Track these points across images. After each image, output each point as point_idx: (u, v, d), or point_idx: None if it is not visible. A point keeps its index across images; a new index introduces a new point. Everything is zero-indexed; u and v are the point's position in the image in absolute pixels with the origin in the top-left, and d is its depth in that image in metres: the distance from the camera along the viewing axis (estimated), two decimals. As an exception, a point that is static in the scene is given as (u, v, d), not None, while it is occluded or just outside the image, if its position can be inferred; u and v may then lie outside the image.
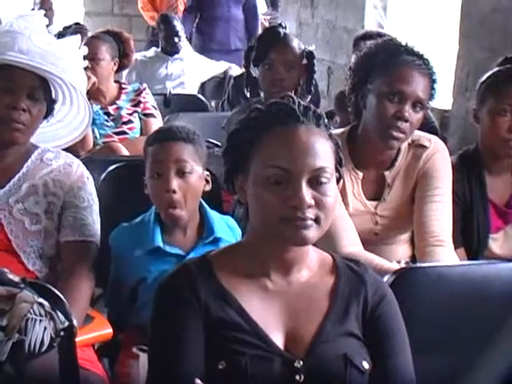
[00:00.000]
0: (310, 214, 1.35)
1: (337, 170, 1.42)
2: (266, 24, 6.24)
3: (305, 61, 3.11)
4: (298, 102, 1.41)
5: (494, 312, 1.67)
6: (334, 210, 1.39)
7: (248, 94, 3.30)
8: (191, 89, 4.81)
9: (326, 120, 1.43)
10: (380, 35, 3.15)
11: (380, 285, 1.46)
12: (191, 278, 1.38)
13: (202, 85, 4.97)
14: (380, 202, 2.22)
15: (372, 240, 2.21)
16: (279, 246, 1.39)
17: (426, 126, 2.46)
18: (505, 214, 2.37)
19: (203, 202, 2.06)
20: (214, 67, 5.00)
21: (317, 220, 1.35)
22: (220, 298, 1.38)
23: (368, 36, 3.37)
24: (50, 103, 2.01)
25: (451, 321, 1.66)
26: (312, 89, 3.18)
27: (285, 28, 3.17)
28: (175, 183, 1.94)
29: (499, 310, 1.67)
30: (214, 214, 2.06)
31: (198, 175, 1.99)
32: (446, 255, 2.07)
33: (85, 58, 3.50)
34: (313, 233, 1.36)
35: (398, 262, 2.21)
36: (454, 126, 3.13)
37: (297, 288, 1.42)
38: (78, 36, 2.14)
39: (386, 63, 2.11)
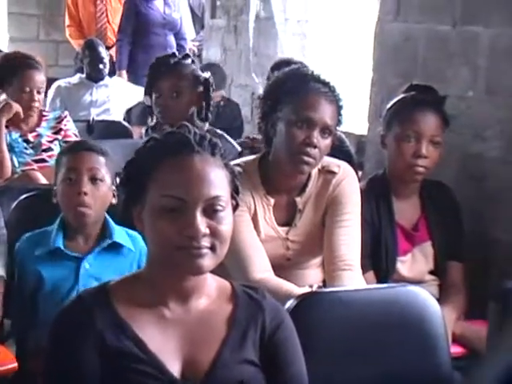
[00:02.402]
0: (206, 242, 1.36)
1: (233, 198, 1.45)
2: (195, 50, 6.29)
3: (201, 88, 3.12)
4: (194, 132, 1.42)
5: (391, 335, 1.71)
6: (229, 238, 1.40)
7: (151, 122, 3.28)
8: (117, 115, 4.78)
9: (221, 149, 1.45)
10: (294, 62, 3.19)
11: (278, 311, 1.48)
12: (87, 309, 1.38)
13: (128, 111, 4.94)
14: (291, 227, 2.25)
15: (284, 265, 2.23)
16: (176, 275, 1.40)
17: (339, 151, 2.50)
18: (412, 237, 2.42)
19: (106, 215, 2.17)
20: (139, 93, 4.98)
21: (212, 248, 1.37)
22: (117, 328, 1.37)
23: (284, 63, 3.40)
24: None
25: (352, 343, 1.69)
26: (209, 116, 3.16)
27: (183, 57, 3.15)
28: (87, 187, 2.09)
29: (396, 333, 1.71)
30: (114, 225, 2.16)
31: (107, 185, 2.14)
32: (353, 279, 2.10)
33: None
34: (208, 261, 1.37)
35: (311, 287, 2.24)
36: (370, 150, 3.19)
37: (195, 316, 1.42)
38: None
39: (293, 91, 2.15)
